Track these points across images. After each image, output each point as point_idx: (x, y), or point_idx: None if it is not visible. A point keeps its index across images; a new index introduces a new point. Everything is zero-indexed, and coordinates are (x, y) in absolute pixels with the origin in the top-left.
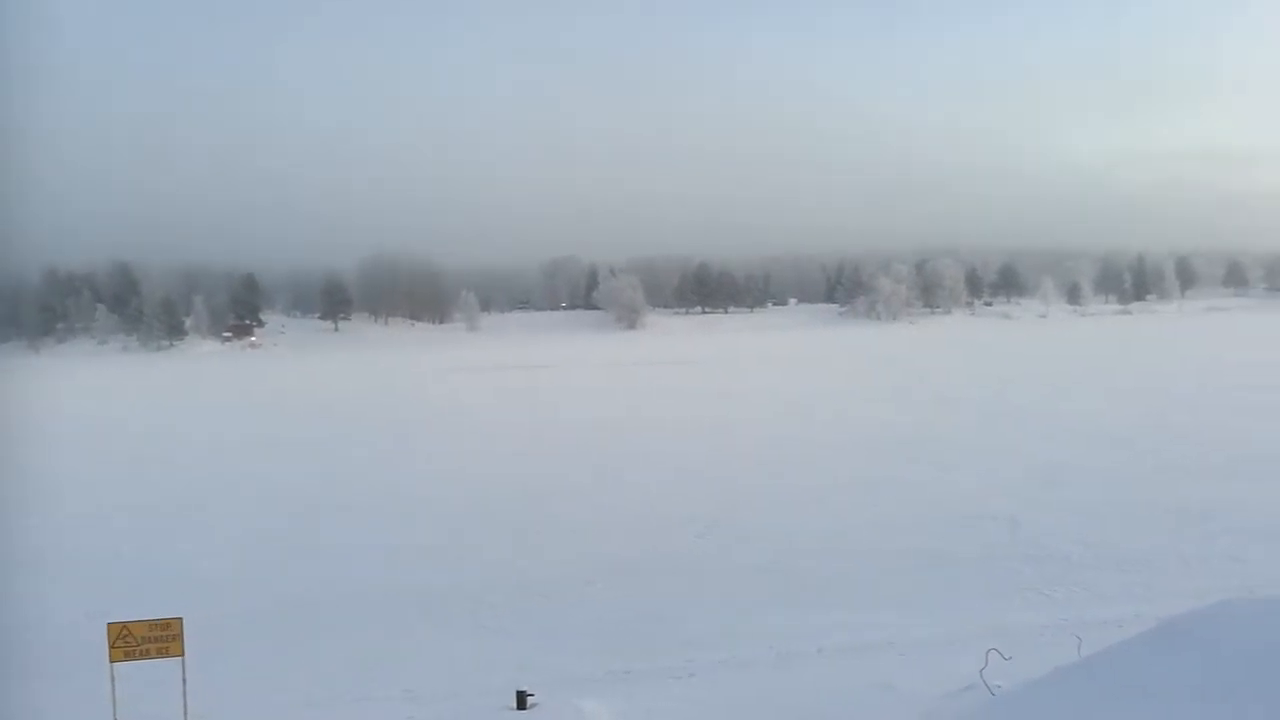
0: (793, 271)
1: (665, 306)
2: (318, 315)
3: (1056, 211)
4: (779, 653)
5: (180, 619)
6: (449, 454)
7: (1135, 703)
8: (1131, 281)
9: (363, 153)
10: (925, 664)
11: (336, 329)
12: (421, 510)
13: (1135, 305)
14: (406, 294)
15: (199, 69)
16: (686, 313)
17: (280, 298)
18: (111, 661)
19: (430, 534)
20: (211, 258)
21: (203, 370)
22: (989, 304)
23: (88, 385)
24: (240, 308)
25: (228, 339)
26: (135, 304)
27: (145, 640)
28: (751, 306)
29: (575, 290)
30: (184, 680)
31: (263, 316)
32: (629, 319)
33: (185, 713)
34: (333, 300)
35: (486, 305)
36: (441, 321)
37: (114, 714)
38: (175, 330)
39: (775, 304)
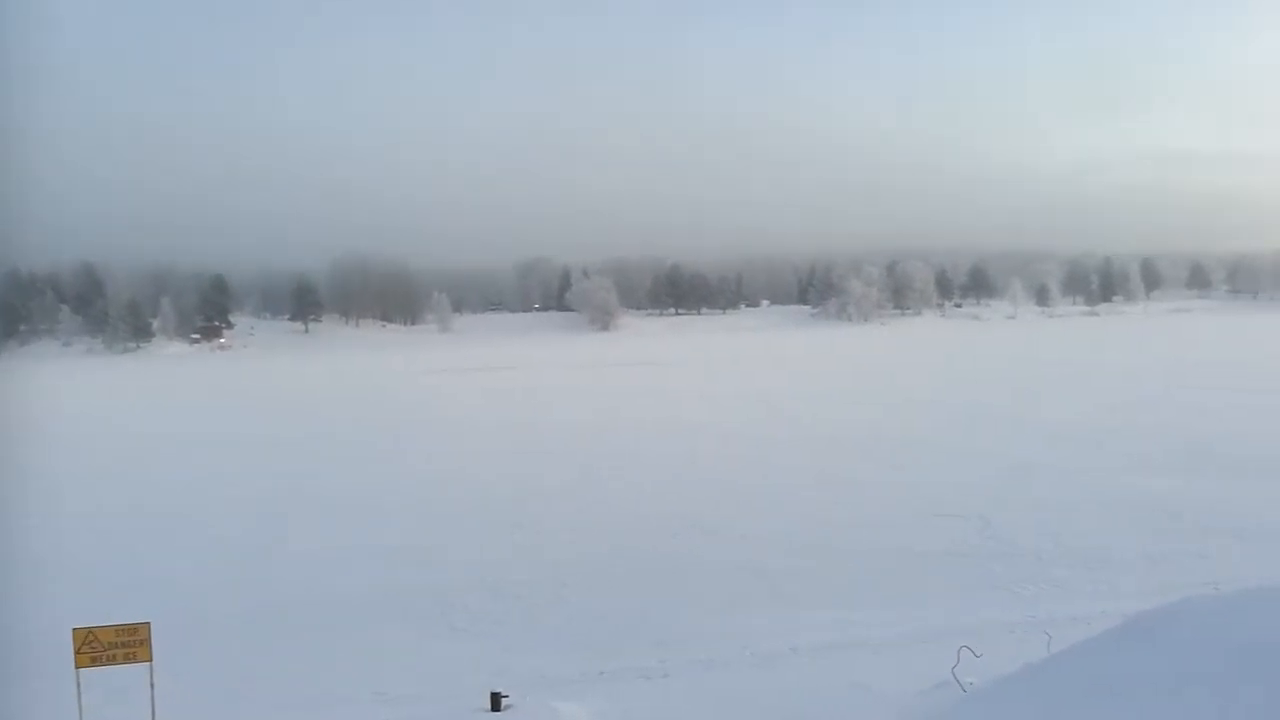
0: (765, 273)
1: (638, 308)
2: (288, 317)
3: (1025, 215)
4: (755, 652)
5: (148, 624)
6: (420, 456)
7: (1102, 699)
8: (1098, 283)
9: (333, 153)
10: (899, 662)
11: (307, 331)
12: (394, 511)
13: (1102, 307)
14: (378, 295)
15: (162, 69)
16: (660, 314)
17: (250, 299)
18: (78, 667)
19: (402, 535)
20: (179, 258)
21: (170, 372)
22: (959, 305)
23: (51, 388)
24: (209, 309)
25: (196, 341)
26: (100, 305)
27: (112, 646)
28: (724, 308)
29: (548, 291)
30: (152, 686)
31: (232, 318)
32: (602, 320)
33: (153, 719)
34: (303, 302)
35: (459, 306)
36: (413, 323)
37: None
38: (141, 332)
39: (748, 305)
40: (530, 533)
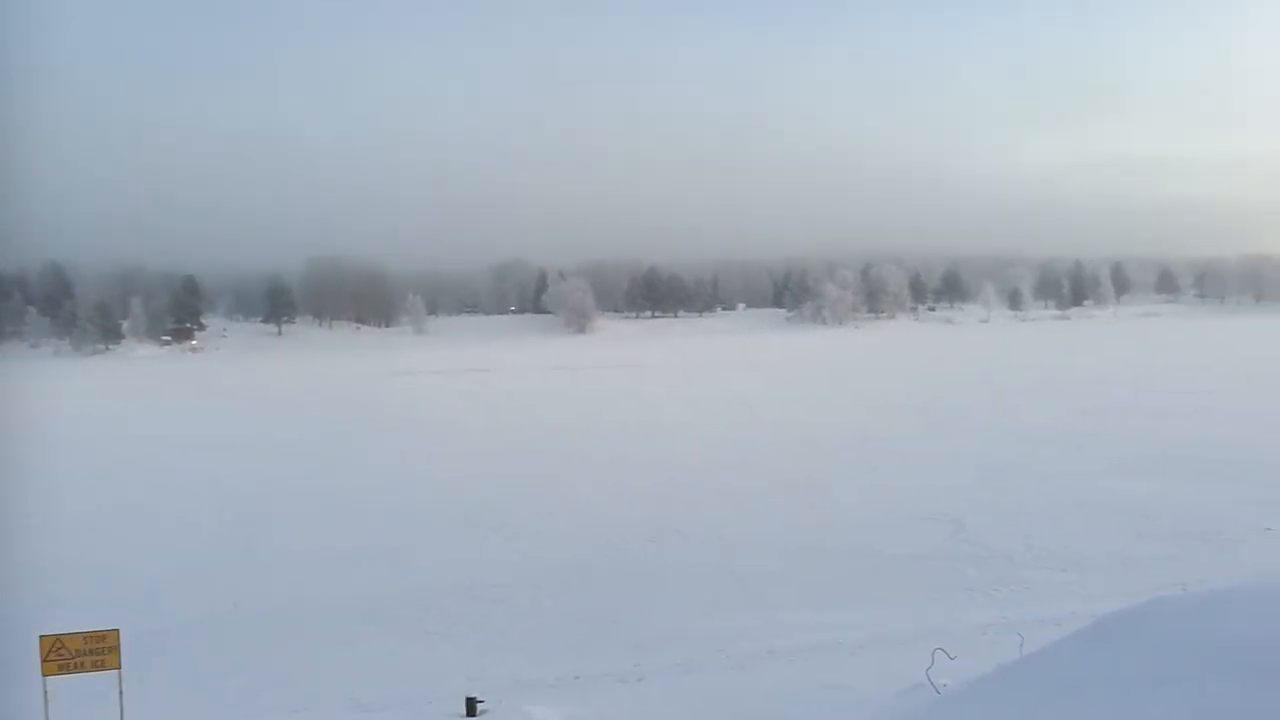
0: (741, 277)
1: (615, 310)
2: (260, 318)
3: (998, 220)
4: (731, 655)
5: (117, 630)
6: (395, 458)
7: (1074, 699)
8: (1069, 287)
9: (307, 153)
10: (876, 664)
11: (280, 332)
12: (369, 515)
13: (1073, 310)
14: (352, 297)
15: (124, 68)
16: (636, 317)
17: (222, 301)
18: (45, 675)
19: (377, 538)
20: (150, 259)
21: (139, 374)
22: (932, 309)
23: (17, 389)
24: (180, 311)
25: (167, 343)
26: (69, 307)
27: (81, 653)
28: (700, 311)
29: (524, 294)
30: (121, 693)
31: (204, 320)
32: (578, 323)
33: None
34: (276, 303)
35: (434, 309)
36: (387, 325)
37: None
38: (111, 334)
39: (724, 309)
40: (506, 535)
